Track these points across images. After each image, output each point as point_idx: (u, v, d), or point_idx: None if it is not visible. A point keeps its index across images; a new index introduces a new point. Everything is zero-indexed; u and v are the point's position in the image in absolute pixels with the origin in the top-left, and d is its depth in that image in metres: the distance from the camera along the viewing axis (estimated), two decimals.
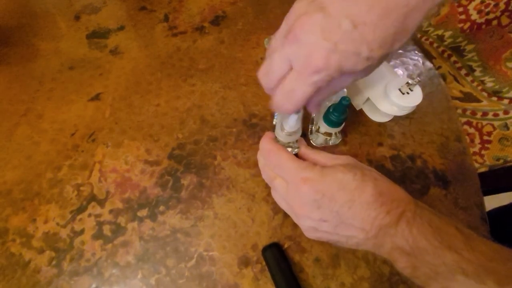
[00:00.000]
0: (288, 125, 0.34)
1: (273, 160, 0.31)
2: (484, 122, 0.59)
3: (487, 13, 0.56)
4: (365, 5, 0.23)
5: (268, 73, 0.29)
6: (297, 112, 0.33)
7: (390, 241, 0.27)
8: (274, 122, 0.41)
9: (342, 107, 0.36)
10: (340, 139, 0.42)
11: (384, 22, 0.23)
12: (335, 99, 0.39)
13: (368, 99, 0.42)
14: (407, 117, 0.44)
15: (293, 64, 0.26)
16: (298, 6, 0.26)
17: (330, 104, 0.38)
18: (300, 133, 0.37)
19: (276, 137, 0.38)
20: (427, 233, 0.26)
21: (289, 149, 0.40)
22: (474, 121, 0.60)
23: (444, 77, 0.62)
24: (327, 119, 0.38)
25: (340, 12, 0.23)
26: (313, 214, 0.28)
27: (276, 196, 0.33)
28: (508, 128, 0.57)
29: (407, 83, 0.39)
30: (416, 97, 0.39)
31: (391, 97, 0.38)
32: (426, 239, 0.25)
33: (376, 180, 0.28)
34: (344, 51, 0.24)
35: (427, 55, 0.57)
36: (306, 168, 0.29)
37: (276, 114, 0.41)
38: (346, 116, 0.37)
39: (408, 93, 0.39)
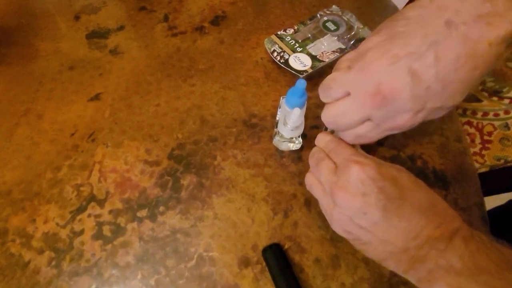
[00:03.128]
0: (291, 120, 0.34)
1: (331, 145, 0.31)
2: (485, 122, 0.59)
3: None
4: (453, 66, 0.23)
5: (338, 122, 0.30)
6: (300, 107, 0.34)
7: (435, 256, 0.24)
8: (277, 118, 0.41)
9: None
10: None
11: (471, 75, 0.23)
12: None
13: None
14: None
15: (374, 120, 0.28)
16: (382, 64, 0.25)
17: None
18: (302, 128, 0.37)
19: (278, 132, 0.38)
20: (489, 252, 0.24)
21: (291, 145, 0.40)
22: (475, 121, 0.60)
23: None
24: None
25: (430, 77, 0.23)
26: (354, 200, 0.26)
27: (311, 179, 0.32)
28: (508, 128, 0.57)
29: None
30: None
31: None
32: (488, 258, 0.23)
33: (429, 190, 0.27)
34: (431, 108, 0.25)
35: None
36: (362, 155, 0.29)
37: (279, 109, 0.41)
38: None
39: None
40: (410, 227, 0.24)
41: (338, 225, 0.29)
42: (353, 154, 0.28)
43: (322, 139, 0.33)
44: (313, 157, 0.32)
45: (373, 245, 0.27)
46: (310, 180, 0.32)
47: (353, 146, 0.33)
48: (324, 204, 0.30)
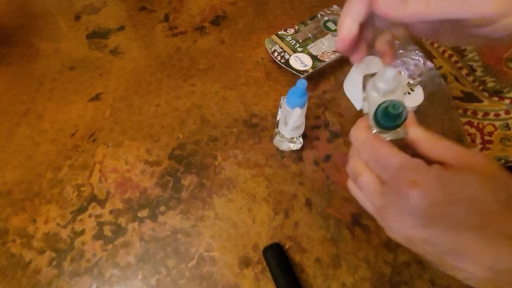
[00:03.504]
0: (292, 119, 0.34)
1: (368, 152, 0.24)
2: (485, 122, 0.59)
3: None
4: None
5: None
6: (301, 107, 0.34)
7: None
8: (277, 118, 0.41)
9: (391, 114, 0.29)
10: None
11: None
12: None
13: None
14: None
15: None
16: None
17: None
18: (303, 127, 0.37)
19: (279, 132, 0.38)
20: None
21: (292, 144, 0.40)
22: (475, 121, 0.60)
23: (445, 77, 0.61)
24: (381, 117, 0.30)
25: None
26: (414, 232, 0.21)
27: (358, 194, 0.26)
28: (509, 128, 0.57)
29: (408, 83, 0.39)
30: (417, 97, 0.39)
31: (393, 96, 0.38)
32: None
33: None
34: None
35: (428, 55, 0.57)
36: (418, 168, 0.21)
37: (280, 109, 0.41)
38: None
39: (409, 93, 0.39)
40: (495, 259, 0.19)
41: (395, 237, 0.24)
42: (405, 167, 0.22)
43: (357, 136, 0.25)
44: (349, 168, 0.27)
45: (444, 268, 0.23)
46: (353, 190, 0.27)
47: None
48: (377, 218, 0.25)
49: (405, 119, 0.24)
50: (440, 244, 0.21)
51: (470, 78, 0.59)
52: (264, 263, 0.35)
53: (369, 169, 0.24)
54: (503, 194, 0.20)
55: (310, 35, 0.50)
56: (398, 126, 0.24)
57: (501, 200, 0.19)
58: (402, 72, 0.34)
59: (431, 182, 0.20)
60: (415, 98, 0.38)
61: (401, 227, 0.22)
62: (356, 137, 0.26)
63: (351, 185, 0.27)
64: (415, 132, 0.24)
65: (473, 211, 0.20)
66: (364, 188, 0.25)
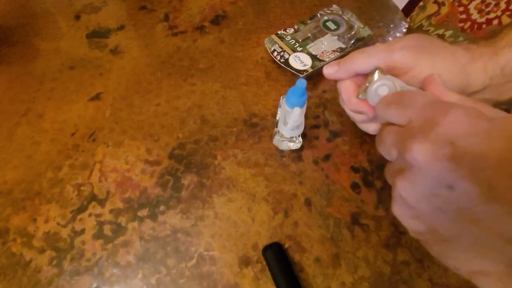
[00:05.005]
0: (292, 119, 0.34)
1: (394, 98, 0.22)
2: None
3: (488, 13, 0.56)
4: None
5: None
6: (301, 106, 0.34)
7: None
8: (277, 118, 0.41)
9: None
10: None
11: None
12: None
13: None
14: None
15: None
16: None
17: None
18: (303, 127, 0.37)
19: (279, 131, 0.38)
20: None
21: (291, 144, 0.41)
22: None
23: None
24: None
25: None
26: (438, 164, 0.17)
27: (383, 143, 0.23)
28: None
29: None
30: None
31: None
32: None
33: None
34: None
35: None
36: (452, 103, 0.19)
37: (279, 109, 0.41)
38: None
39: None
40: None
41: (402, 207, 0.20)
42: (433, 101, 0.19)
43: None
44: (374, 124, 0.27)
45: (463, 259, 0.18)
46: (380, 144, 0.24)
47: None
48: (392, 170, 0.22)
49: None
50: (464, 194, 0.16)
51: None
52: (264, 263, 0.35)
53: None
54: None
55: (309, 34, 0.50)
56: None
57: None
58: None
59: (471, 107, 0.17)
60: None
61: (418, 158, 0.17)
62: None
63: (379, 137, 0.24)
64: (444, 95, 0.22)
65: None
66: (390, 132, 0.21)
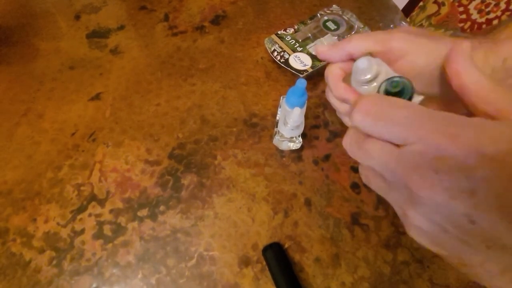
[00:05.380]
0: (291, 119, 0.34)
1: (377, 111, 0.18)
2: None
3: (488, 13, 0.56)
4: None
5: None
6: (301, 106, 0.34)
7: None
8: (277, 118, 0.41)
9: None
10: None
11: None
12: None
13: None
14: None
15: None
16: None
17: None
18: (302, 127, 0.37)
19: (279, 131, 0.38)
20: None
21: (291, 144, 0.41)
22: None
23: None
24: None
25: None
26: (455, 201, 0.15)
27: (366, 169, 0.20)
28: None
29: None
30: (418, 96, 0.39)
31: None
32: None
33: None
34: None
35: None
36: (453, 118, 0.16)
37: (279, 109, 0.41)
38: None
39: None
40: None
41: (418, 233, 0.18)
42: (429, 120, 0.16)
43: (363, 102, 0.19)
44: (347, 136, 0.21)
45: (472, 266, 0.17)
46: (363, 172, 0.21)
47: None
48: (396, 202, 0.19)
49: (411, 96, 0.21)
50: (488, 226, 0.15)
51: None
52: (264, 263, 0.35)
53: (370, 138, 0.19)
54: None
55: (309, 34, 0.50)
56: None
57: None
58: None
59: (478, 134, 0.14)
60: (415, 97, 0.38)
61: (437, 198, 0.15)
62: (364, 100, 0.19)
63: (360, 168, 0.21)
64: (467, 73, 0.18)
65: None
66: (374, 153, 0.18)
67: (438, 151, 0.15)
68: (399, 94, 0.21)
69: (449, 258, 0.18)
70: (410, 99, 0.21)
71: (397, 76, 0.22)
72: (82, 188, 0.40)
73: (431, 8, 0.65)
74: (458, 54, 0.19)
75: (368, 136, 0.19)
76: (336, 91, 0.28)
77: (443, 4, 0.63)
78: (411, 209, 0.17)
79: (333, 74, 0.29)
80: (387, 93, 0.21)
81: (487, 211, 0.14)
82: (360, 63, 0.23)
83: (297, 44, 0.49)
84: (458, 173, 0.15)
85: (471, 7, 0.58)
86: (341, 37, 0.50)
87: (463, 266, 0.17)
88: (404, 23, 0.55)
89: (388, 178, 0.18)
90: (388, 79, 0.22)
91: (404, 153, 0.17)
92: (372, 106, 0.18)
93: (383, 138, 0.18)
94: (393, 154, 0.17)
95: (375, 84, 0.23)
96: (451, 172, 0.15)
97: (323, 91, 0.47)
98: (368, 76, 0.23)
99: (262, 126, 0.44)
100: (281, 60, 0.47)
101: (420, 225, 0.17)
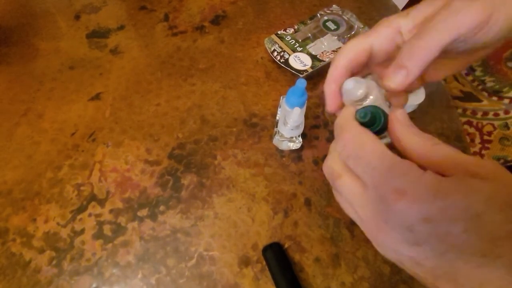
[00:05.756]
0: (291, 119, 0.34)
1: (350, 146, 0.20)
2: (485, 122, 0.59)
3: None
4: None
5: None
6: (300, 106, 0.34)
7: None
8: (277, 118, 0.41)
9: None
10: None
11: None
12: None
13: None
14: None
15: None
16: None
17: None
18: (302, 127, 0.37)
19: (278, 131, 0.38)
20: None
21: (291, 144, 0.41)
22: (475, 121, 0.60)
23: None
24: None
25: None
26: (401, 250, 0.18)
27: (341, 199, 0.22)
28: (508, 128, 0.57)
29: None
30: (418, 96, 0.39)
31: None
32: None
33: None
34: None
35: None
36: (408, 173, 0.17)
37: (279, 109, 0.41)
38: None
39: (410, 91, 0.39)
40: None
41: (387, 254, 0.20)
42: (391, 172, 0.18)
43: (338, 124, 0.22)
44: (326, 166, 0.22)
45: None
46: (337, 198, 0.23)
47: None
48: (363, 230, 0.21)
49: (382, 127, 0.21)
50: (432, 267, 0.17)
51: (470, 78, 0.59)
52: (264, 263, 0.35)
53: (349, 169, 0.20)
54: None
55: (309, 34, 0.50)
56: (377, 134, 0.21)
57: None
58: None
59: (422, 192, 0.16)
60: (416, 97, 0.38)
61: (388, 242, 0.19)
62: (340, 123, 0.21)
63: (333, 191, 0.23)
64: (405, 139, 0.20)
65: (475, 233, 0.15)
66: (343, 193, 0.21)
67: (386, 206, 0.17)
68: (370, 123, 0.21)
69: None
70: (381, 130, 0.21)
71: (372, 106, 0.22)
72: (82, 188, 0.40)
73: None
74: (396, 123, 0.21)
75: (344, 167, 0.21)
76: (329, 107, 0.27)
77: None
78: (376, 245, 0.21)
79: (328, 91, 0.26)
80: (360, 121, 0.21)
81: (429, 260, 0.17)
82: (347, 84, 0.23)
83: (297, 44, 0.49)
84: (401, 229, 0.17)
85: None
86: (341, 37, 0.50)
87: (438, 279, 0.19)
88: None
89: (355, 212, 0.21)
90: (362, 108, 0.22)
91: (364, 196, 0.19)
92: (349, 143, 0.20)
93: (355, 172, 0.20)
94: (356, 196, 0.20)
95: (367, 101, 0.23)
96: (396, 226, 0.17)
97: (323, 91, 0.47)
98: (357, 96, 0.23)
99: (262, 126, 0.44)
100: (281, 60, 0.47)
101: (382, 250, 0.20)
